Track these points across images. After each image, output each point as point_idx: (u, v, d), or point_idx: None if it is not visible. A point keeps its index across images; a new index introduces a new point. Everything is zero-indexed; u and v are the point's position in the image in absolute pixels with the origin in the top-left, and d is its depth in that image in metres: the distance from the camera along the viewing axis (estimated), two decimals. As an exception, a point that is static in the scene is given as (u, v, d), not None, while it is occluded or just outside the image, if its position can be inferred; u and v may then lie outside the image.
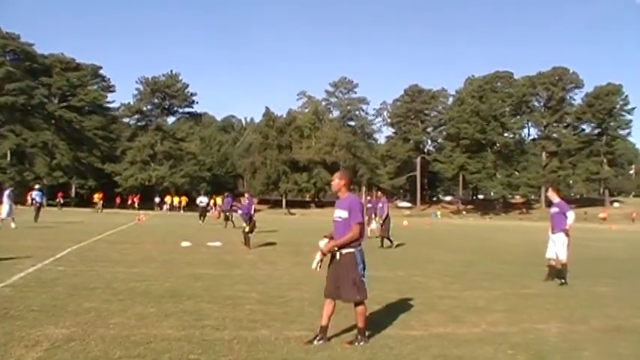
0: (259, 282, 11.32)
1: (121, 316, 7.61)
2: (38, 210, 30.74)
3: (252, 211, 20.25)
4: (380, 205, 23.19)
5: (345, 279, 6.42)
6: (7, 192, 26.40)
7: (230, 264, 14.55)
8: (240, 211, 20.85)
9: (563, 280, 12.26)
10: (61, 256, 14.58)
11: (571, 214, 12.63)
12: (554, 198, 13.30)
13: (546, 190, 18.34)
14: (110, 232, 25.19)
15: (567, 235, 12.50)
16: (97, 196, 63.39)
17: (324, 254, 6.55)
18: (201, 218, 38.34)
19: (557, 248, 12.54)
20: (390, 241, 21.58)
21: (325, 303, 6.62)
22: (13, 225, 24.59)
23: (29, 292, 9.10)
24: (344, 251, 6.47)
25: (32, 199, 31.86)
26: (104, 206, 62.84)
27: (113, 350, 5.92)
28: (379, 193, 27.63)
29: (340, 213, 6.57)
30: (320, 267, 6.61)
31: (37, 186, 33.96)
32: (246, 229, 19.51)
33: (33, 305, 8.02)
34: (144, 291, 9.66)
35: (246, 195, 21.89)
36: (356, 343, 6.48)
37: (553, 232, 12.72)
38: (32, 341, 6.16)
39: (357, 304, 6.52)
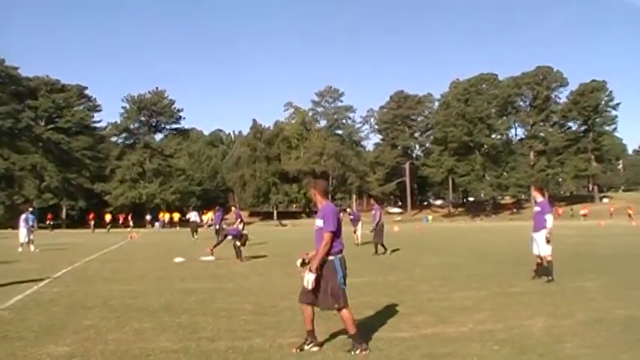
0: (252, 293, 11.54)
1: (119, 331, 7.83)
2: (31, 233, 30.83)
3: (242, 226, 20.51)
4: (373, 212, 23.38)
5: (323, 287, 6.49)
6: (23, 216, 26.76)
7: (223, 277, 14.76)
8: (229, 236, 20.57)
9: (550, 277, 12.51)
10: (56, 277, 14.78)
11: (549, 217, 12.86)
12: (538, 197, 13.62)
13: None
14: (103, 251, 25.34)
15: (548, 241, 12.77)
16: (108, 217, 67.59)
17: (314, 272, 6.42)
18: (194, 234, 38.45)
19: (540, 246, 12.84)
20: (385, 247, 21.79)
21: (302, 308, 6.72)
22: (32, 248, 24.97)
23: (27, 313, 9.29)
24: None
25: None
26: (96, 226, 63.76)
27: (113, 364, 6.14)
28: (372, 200, 27.80)
29: (318, 222, 6.71)
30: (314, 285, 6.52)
31: (30, 209, 33.96)
32: (237, 243, 19.75)
33: (32, 326, 8.21)
34: (140, 307, 9.87)
35: (233, 209, 22.23)
36: (352, 352, 6.51)
37: (535, 231, 13.02)
38: (35, 360, 6.37)
39: (339, 310, 6.57)
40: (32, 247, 25.12)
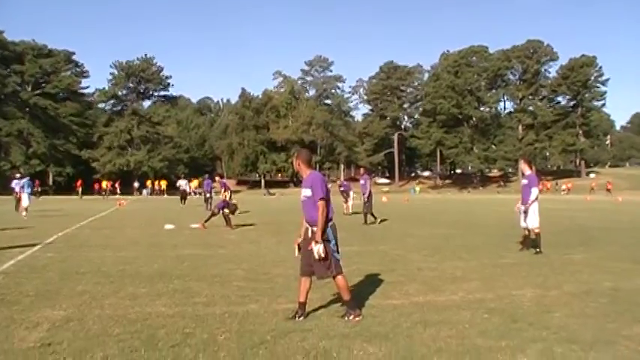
0: (244, 260, 11.65)
1: (115, 296, 7.91)
2: (19, 200, 30.67)
3: (229, 195, 20.52)
4: (362, 182, 23.44)
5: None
6: (23, 182, 26.67)
7: (214, 244, 14.86)
8: (217, 209, 20.58)
9: (537, 249, 12.69)
10: (48, 243, 14.81)
11: (535, 190, 12.98)
12: (526, 170, 13.70)
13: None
14: (92, 218, 25.34)
15: (526, 212, 12.94)
16: (105, 184, 69.47)
17: (320, 242, 6.44)
18: (182, 201, 38.53)
19: (528, 218, 12.99)
20: (374, 217, 21.98)
21: (301, 280, 6.78)
22: (23, 214, 24.91)
23: (22, 278, 9.35)
24: (315, 228, 6.57)
25: (12, 189, 31.77)
26: (84, 193, 63.55)
27: (111, 328, 6.23)
28: (362, 170, 27.89)
29: (305, 192, 6.73)
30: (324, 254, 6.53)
31: (17, 175, 33.79)
32: (226, 211, 19.85)
33: (28, 290, 8.28)
34: (133, 273, 9.95)
35: (218, 179, 22.43)
36: (346, 318, 6.62)
37: (523, 204, 13.16)
38: (33, 323, 6.44)
39: (334, 278, 6.68)
40: (24, 213, 25.07)
